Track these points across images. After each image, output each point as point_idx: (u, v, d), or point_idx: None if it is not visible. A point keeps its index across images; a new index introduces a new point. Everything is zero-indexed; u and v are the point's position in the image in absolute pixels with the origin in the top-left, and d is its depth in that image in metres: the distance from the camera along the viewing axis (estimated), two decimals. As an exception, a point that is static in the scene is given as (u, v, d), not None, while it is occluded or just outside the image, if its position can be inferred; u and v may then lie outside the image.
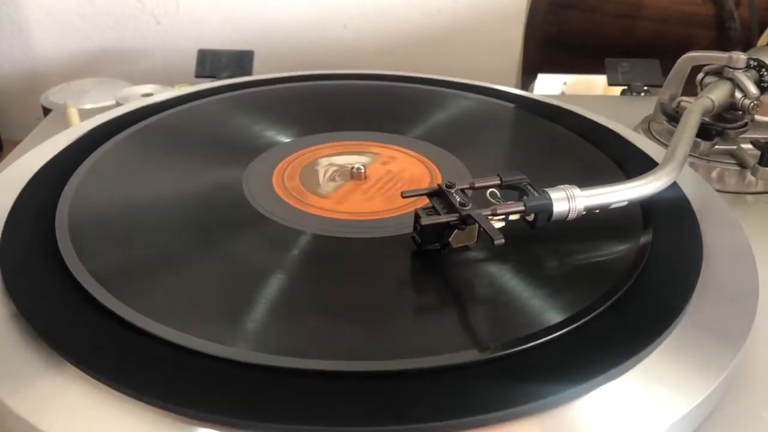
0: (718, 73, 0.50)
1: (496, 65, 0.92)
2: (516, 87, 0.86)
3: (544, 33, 0.85)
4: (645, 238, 0.35)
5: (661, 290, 0.32)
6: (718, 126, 0.50)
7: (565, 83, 0.86)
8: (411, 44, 0.91)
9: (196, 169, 0.43)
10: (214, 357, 0.27)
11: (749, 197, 0.48)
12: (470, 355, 0.27)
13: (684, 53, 0.54)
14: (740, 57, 0.49)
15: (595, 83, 0.83)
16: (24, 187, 0.39)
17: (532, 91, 0.83)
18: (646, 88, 0.68)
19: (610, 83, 0.70)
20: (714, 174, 0.49)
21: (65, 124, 0.57)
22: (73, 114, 0.57)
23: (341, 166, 0.43)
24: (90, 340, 0.28)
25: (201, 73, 0.69)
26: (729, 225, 0.38)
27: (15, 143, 0.56)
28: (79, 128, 0.47)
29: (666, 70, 0.67)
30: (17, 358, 0.28)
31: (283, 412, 0.25)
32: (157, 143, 0.46)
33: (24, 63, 0.91)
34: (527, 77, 0.88)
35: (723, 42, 0.79)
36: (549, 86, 0.86)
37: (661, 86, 0.57)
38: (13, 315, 0.30)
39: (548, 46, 0.86)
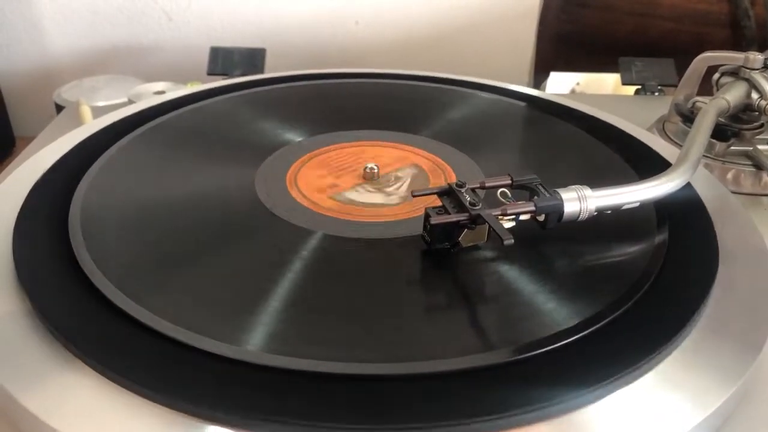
0: (735, 73, 0.50)
1: (508, 63, 0.92)
2: (529, 85, 0.86)
3: (558, 30, 0.84)
4: (660, 241, 0.35)
5: (676, 293, 0.31)
6: (733, 127, 0.50)
7: (578, 83, 0.86)
8: (423, 41, 0.91)
9: (208, 168, 0.43)
10: (225, 358, 0.27)
11: (765, 199, 0.48)
12: (482, 359, 0.27)
13: (698, 52, 0.54)
14: (757, 57, 0.48)
15: (605, 81, 0.83)
16: (37, 184, 0.39)
17: (544, 89, 0.83)
18: (660, 87, 0.68)
19: (624, 82, 0.69)
20: (729, 175, 0.49)
21: (78, 121, 0.57)
22: (86, 112, 0.58)
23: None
24: (102, 338, 0.28)
25: (213, 71, 0.69)
26: (745, 227, 0.38)
27: (27, 139, 0.57)
28: (92, 126, 0.47)
29: (680, 69, 0.67)
30: (29, 354, 0.28)
31: (292, 414, 0.25)
32: (170, 142, 0.46)
33: (36, 59, 0.91)
34: (540, 75, 0.87)
35: (738, 40, 0.78)
36: (561, 84, 0.85)
37: (675, 86, 0.56)
38: (26, 312, 0.30)
39: (561, 43, 0.85)
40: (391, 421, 0.25)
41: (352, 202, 0.39)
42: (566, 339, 0.28)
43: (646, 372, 0.27)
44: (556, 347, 0.28)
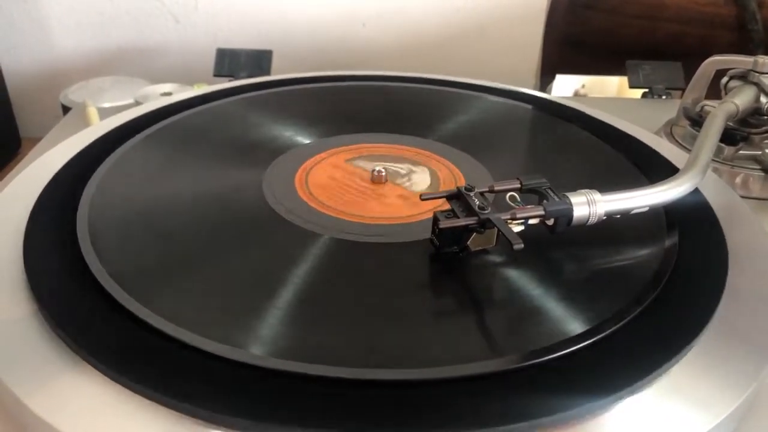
0: (743, 77, 0.49)
1: (515, 65, 0.91)
2: (535, 87, 0.86)
3: (564, 33, 0.84)
4: (669, 246, 0.35)
5: (685, 299, 0.31)
6: (742, 131, 0.50)
7: (583, 85, 0.86)
8: (430, 43, 0.91)
9: (216, 170, 0.43)
10: (232, 361, 0.27)
11: (774, 203, 0.48)
12: (489, 366, 0.27)
13: (704, 54, 0.54)
14: (766, 61, 0.48)
15: (609, 83, 0.82)
16: (46, 185, 0.39)
17: (550, 91, 0.83)
18: (667, 90, 0.67)
19: (632, 86, 0.69)
20: (738, 180, 0.48)
21: (85, 122, 0.57)
22: (93, 113, 0.58)
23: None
24: (109, 340, 0.28)
25: (219, 73, 0.69)
26: (754, 232, 0.37)
27: (33, 140, 0.57)
28: (100, 127, 0.47)
29: (686, 72, 0.67)
30: (36, 357, 0.28)
31: (298, 418, 0.25)
32: (177, 143, 0.46)
33: (43, 60, 0.91)
34: (546, 77, 0.87)
35: (745, 43, 0.77)
36: (567, 87, 0.85)
37: (682, 89, 0.56)
38: (34, 313, 0.30)
39: (567, 46, 0.85)
40: (397, 428, 0.25)
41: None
42: (575, 346, 0.28)
43: (656, 379, 0.27)
44: (565, 354, 0.28)
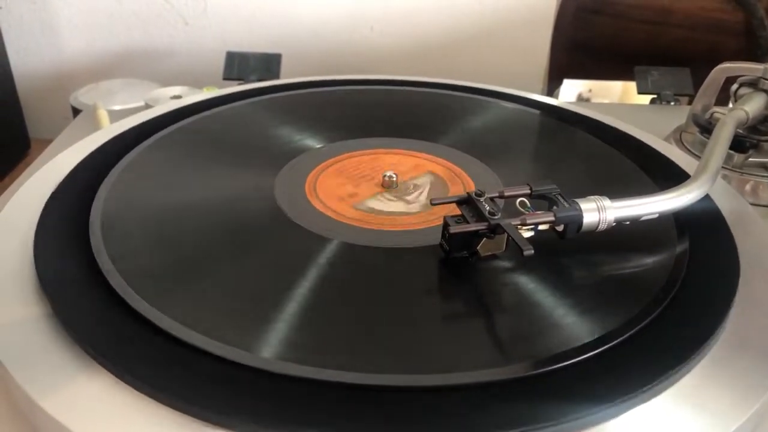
0: (753, 84, 0.49)
1: (522, 70, 0.91)
2: (542, 92, 0.86)
3: (571, 38, 0.84)
4: (679, 254, 0.35)
5: (696, 307, 0.31)
6: (752, 138, 0.50)
7: (590, 90, 0.86)
8: (437, 47, 0.91)
9: (227, 174, 0.43)
10: (242, 365, 0.27)
11: (783, 211, 0.48)
12: (499, 373, 0.27)
13: (712, 60, 0.54)
14: (776, 69, 0.48)
15: (614, 87, 0.82)
16: (57, 188, 0.39)
17: (557, 96, 0.83)
18: (675, 97, 0.67)
19: (640, 91, 0.69)
20: (747, 187, 0.48)
21: (95, 125, 0.57)
22: (103, 116, 0.58)
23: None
24: (121, 342, 0.28)
25: (229, 76, 0.69)
26: (764, 239, 0.37)
27: (42, 141, 0.57)
28: (111, 130, 0.47)
29: (694, 78, 0.67)
30: (49, 358, 0.28)
31: (309, 423, 0.25)
32: (188, 147, 0.46)
33: (52, 62, 0.92)
34: (553, 82, 0.87)
35: (752, 50, 0.77)
36: (574, 92, 0.85)
37: (691, 95, 0.56)
38: (47, 316, 0.30)
39: (575, 51, 0.85)
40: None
41: (371, 210, 0.39)
42: (584, 354, 0.28)
43: (666, 389, 0.27)
44: (574, 362, 0.27)
